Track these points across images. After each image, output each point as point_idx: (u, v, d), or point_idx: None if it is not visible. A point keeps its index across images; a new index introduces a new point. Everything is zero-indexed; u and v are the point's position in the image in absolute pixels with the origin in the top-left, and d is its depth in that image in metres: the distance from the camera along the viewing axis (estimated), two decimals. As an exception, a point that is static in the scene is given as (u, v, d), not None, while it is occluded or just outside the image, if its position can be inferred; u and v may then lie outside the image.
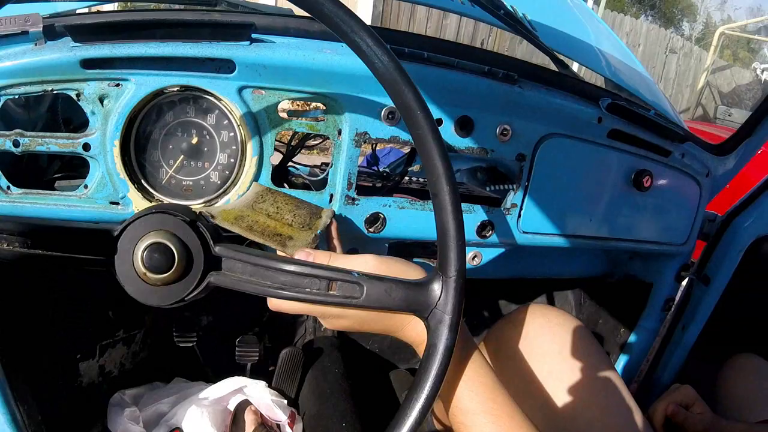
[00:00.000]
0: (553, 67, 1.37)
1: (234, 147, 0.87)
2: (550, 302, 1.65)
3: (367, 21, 7.49)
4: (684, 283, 1.49)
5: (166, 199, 0.86)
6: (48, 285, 1.13)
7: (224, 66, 0.82)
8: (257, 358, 1.38)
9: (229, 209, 0.80)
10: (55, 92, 0.80)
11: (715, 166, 1.35)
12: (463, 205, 0.99)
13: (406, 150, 1.32)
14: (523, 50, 8.47)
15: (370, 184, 1.02)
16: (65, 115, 1.04)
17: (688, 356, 1.55)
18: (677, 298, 1.50)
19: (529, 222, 1.05)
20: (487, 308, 1.71)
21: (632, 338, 1.51)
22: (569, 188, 1.08)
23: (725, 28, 12.57)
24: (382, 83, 0.63)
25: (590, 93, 1.08)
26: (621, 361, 1.54)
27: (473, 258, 1.07)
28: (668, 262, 1.40)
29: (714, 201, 1.51)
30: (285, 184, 0.97)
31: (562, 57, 1.25)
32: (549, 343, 1.07)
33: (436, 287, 0.65)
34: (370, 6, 7.39)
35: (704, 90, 12.17)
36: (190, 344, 1.39)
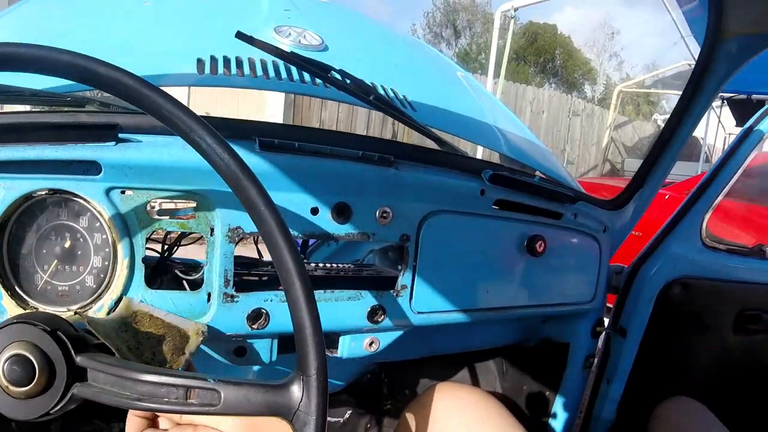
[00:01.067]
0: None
1: (107, 249, 0.84)
2: (473, 374, 1.63)
3: (280, 109, 7.63)
4: (601, 338, 1.51)
5: (42, 306, 0.82)
6: None
7: (91, 168, 0.80)
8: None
9: (100, 323, 0.76)
10: None
11: (612, 221, 1.39)
12: (350, 293, 0.97)
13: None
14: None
15: (256, 278, 1.00)
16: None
17: (618, 409, 1.56)
18: (597, 353, 1.51)
19: (422, 302, 1.04)
20: (407, 389, 1.67)
21: (559, 400, 1.50)
22: (460, 263, 1.08)
23: (623, 87, 13.49)
24: (226, 180, 0.63)
25: (472, 166, 1.10)
26: (552, 425, 1.52)
27: (370, 344, 1.04)
28: (581, 320, 1.41)
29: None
30: (165, 281, 0.95)
31: (442, 135, 1.28)
32: (460, 424, 1.04)
33: (296, 388, 0.63)
34: (282, 94, 7.53)
35: (609, 146, 12.88)
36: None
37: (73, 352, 0.65)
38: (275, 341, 0.97)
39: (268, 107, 7.41)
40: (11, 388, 0.63)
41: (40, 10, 1.43)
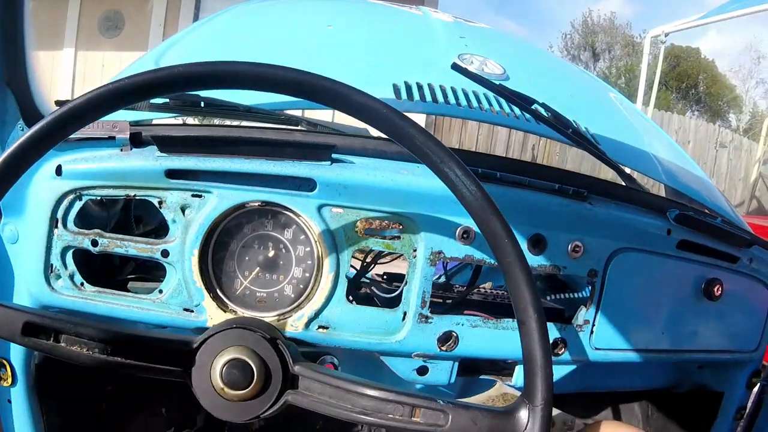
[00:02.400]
0: (618, 180, 1.39)
1: (309, 262, 0.88)
2: (616, 415, 1.58)
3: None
4: (755, 390, 1.44)
5: (240, 310, 0.87)
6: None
7: (305, 184, 0.85)
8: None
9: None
10: (137, 198, 0.84)
11: None
12: None
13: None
14: (573, 155, 8.56)
15: (440, 299, 1.03)
16: (137, 213, 1.07)
17: None
18: (748, 405, 1.45)
19: (602, 338, 1.03)
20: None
21: None
22: (642, 302, 1.07)
23: (773, 119, 12.49)
24: (469, 211, 0.66)
25: (657, 205, 1.08)
26: (698, 476, 1.47)
27: None
28: (739, 369, 1.35)
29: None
30: (360, 295, 0.99)
31: (627, 169, 1.27)
32: None
33: (523, 416, 0.64)
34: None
35: (757, 182, 11.96)
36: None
37: (290, 360, 0.71)
38: (456, 364, 0.98)
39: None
40: (226, 390, 0.68)
41: (226, 25, 1.53)
